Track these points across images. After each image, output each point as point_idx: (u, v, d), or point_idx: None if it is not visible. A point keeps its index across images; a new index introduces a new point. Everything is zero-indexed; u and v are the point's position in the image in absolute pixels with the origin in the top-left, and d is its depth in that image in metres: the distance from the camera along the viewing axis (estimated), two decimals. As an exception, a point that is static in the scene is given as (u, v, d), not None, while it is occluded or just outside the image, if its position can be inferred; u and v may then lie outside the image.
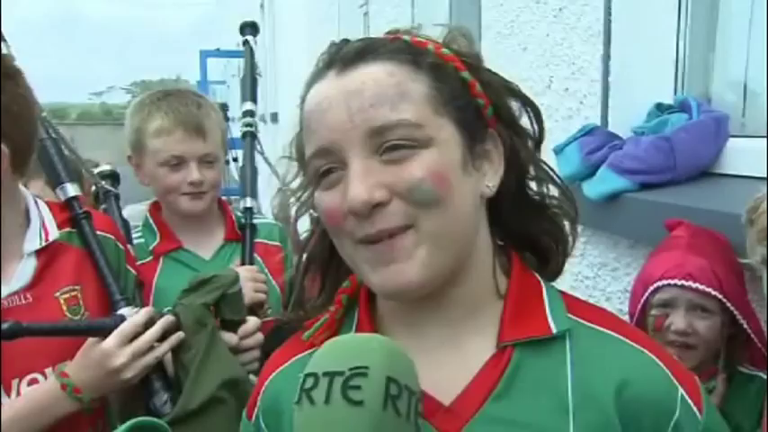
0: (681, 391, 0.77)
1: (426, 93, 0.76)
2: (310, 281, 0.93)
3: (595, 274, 2.12)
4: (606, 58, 2.06)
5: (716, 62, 2.02)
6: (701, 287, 1.41)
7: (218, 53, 14.33)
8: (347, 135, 0.74)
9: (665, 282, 1.44)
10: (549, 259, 0.88)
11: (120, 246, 1.47)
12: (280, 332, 1.45)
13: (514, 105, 0.85)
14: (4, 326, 1.16)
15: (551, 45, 2.34)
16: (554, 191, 0.89)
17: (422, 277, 0.74)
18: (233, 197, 2.95)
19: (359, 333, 0.83)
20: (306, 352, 0.85)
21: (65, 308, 1.31)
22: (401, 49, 0.78)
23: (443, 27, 0.85)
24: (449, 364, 0.80)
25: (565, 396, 0.76)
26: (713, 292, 1.40)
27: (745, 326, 1.43)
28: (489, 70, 0.84)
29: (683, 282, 1.42)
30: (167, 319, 1.35)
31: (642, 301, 1.49)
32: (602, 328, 0.81)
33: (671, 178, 1.78)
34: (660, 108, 1.95)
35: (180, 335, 1.33)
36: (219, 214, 1.87)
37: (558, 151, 2.05)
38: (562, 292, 0.86)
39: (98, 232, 1.39)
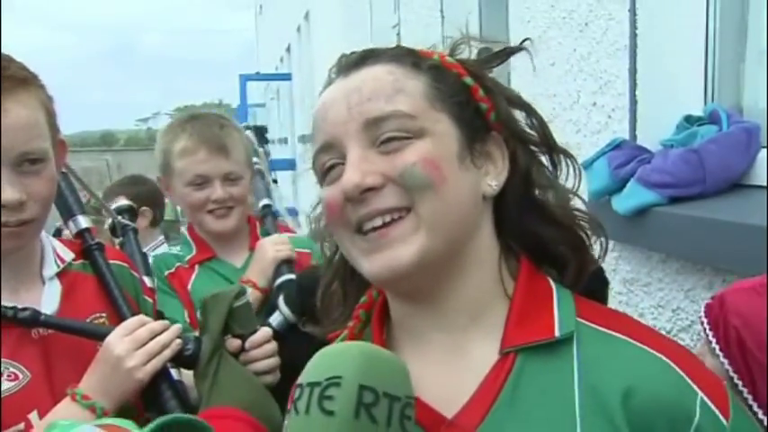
0: (701, 395, 0.73)
1: (424, 89, 0.79)
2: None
3: (628, 289, 2.08)
4: (633, 71, 2.03)
5: (747, 71, 1.97)
6: None
7: (258, 77, 14.63)
8: (346, 127, 0.78)
9: None
10: (565, 268, 0.86)
11: (136, 275, 1.45)
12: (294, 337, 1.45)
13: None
14: (25, 313, 1.19)
15: (578, 60, 2.32)
16: (580, 203, 0.89)
17: (414, 262, 0.75)
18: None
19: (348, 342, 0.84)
20: None
21: None
22: (403, 53, 0.83)
23: (454, 39, 0.88)
24: (454, 374, 0.79)
25: (572, 403, 0.74)
26: None
27: None
28: (494, 79, 0.85)
29: None
30: (178, 326, 1.30)
31: None
32: (613, 332, 0.78)
33: (700, 191, 1.74)
34: (689, 120, 1.91)
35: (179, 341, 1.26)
36: (247, 228, 1.97)
37: (587, 166, 2.02)
38: (577, 297, 0.83)
39: (112, 261, 1.37)
